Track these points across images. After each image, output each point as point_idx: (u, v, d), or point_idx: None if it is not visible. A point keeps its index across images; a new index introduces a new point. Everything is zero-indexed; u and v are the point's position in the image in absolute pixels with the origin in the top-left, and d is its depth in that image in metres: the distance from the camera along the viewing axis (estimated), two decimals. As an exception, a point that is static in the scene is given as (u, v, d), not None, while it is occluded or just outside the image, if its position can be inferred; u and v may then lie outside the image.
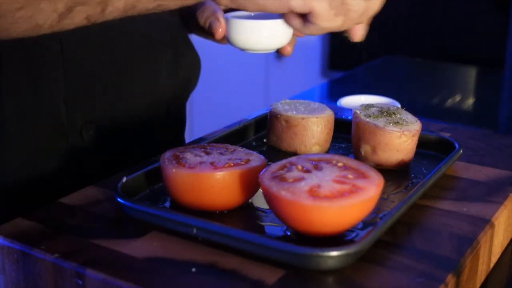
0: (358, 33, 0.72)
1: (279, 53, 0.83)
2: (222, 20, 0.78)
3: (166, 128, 0.92)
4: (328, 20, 0.64)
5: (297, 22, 0.67)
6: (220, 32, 0.78)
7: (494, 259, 0.65)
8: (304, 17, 0.65)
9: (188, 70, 0.94)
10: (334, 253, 0.51)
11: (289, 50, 0.83)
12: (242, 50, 0.80)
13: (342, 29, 0.66)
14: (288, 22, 0.68)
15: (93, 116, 0.79)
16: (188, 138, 0.98)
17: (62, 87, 0.75)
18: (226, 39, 0.80)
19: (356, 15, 0.64)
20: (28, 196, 0.76)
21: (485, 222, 0.61)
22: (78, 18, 0.59)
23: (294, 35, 0.81)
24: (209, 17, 0.79)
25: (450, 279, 0.52)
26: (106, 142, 0.81)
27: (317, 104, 0.81)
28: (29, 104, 0.74)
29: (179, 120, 0.96)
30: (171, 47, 0.89)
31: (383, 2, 0.67)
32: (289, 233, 0.58)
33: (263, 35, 0.75)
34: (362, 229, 0.59)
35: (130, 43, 0.83)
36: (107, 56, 0.80)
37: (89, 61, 0.78)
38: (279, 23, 0.74)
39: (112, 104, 0.81)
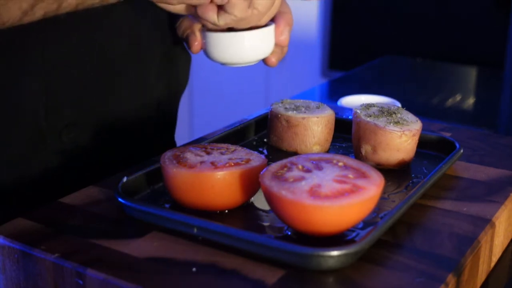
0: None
1: (265, 63, 0.81)
2: (198, 33, 0.74)
3: (156, 130, 0.89)
4: (242, 10, 0.69)
5: (212, 13, 0.70)
6: (195, 45, 0.74)
7: (494, 259, 0.65)
8: (220, 8, 0.70)
9: (179, 70, 0.91)
10: (334, 253, 0.51)
11: (273, 61, 0.79)
12: (222, 64, 0.77)
13: (252, 20, 0.72)
14: (203, 14, 0.71)
15: (76, 118, 0.76)
16: (188, 138, 0.97)
17: (42, 89, 0.72)
18: (204, 54, 0.77)
19: (264, 9, 0.71)
20: (11, 197, 0.74)
21: (485, 222, 0.61)
22: (37, 15, 0.63)
23: (277, 45, 0.78)
24: (186, 29, 0.76)
25: (451, 279, 0.52)
26: (91, 145, 0.78)
27: (317, 104, 0.81)
28: (6, 106, 0.71)
29: (169, 121, 0.94)
30: (161, 46, 0.86)
31: None
32: (289, 233, 0.58)
33: (240, 48, 0.73)
34: (362, 228, 0.59)
35: (117, 43, 0.80)
36: (92, 56, 0.77)
37: (72, 62, 0.75)
38: (258, 34, 0.73)
39: (98, 106, 0.78)
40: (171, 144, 0.95)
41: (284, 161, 0.60)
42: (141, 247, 0.56)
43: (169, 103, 0.91)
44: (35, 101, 0.73)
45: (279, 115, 0.79)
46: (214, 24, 0.72)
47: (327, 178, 0.56)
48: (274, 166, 0.59)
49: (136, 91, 0.83)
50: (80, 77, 0.76)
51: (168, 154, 0.64)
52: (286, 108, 0.79)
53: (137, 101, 0.83)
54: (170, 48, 0.88)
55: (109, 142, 0.81)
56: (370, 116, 0.74)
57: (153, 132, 0.89)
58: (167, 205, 0.64)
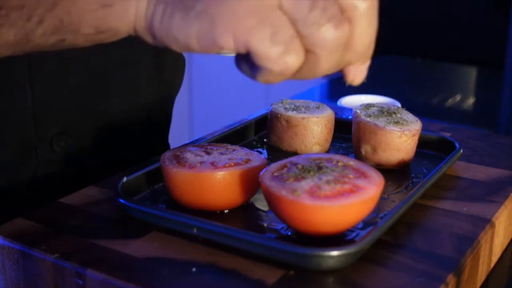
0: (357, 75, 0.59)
1: None
2: None
3: (148, 132, 0.88)
4: (275, 60, 0.45)
5: (245, 67, 0.48)
6: None
7: (494, 259, 0.65)
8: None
9: (171, 73, 0.90)
10: (334, 253, 0.51)
11: None
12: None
13: (297, 71, 0.47)
14: (238, 67, 0.50)
15: (66, 127, 0.75)
16: (188, 138, 0.97)
17: (30, 99, 0.71)
18: None
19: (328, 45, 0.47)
20: (4, 200, 0.74)
21: (485, 222, 0.61)
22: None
23: None
24: None
25: (451, 279, 0.52)
26: (82, 153, 0.77)
27: (317, 104, 0.81)
28: None
29: (161, 126, 0.92)
30: (151, 48, 0.83)
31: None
32: (289, 233, 0.58)
33: None
34: (362, 228, 0.59)
35: (105, 48, 0.77)
36: (80, 63, 0.75)
37: (59, 70, 0.73)
38: None
39: (87, 114, 0.77)
40: (165, 147, 0.94)
41: (284, 161, 0.60)
42: (141, 247, 0.56)
43: (161, 106, 0.90)
44: (23, 112, 0.71)
45: (279, 115, 0.79)
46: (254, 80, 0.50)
47: (327, 178, 0.56)
48: (274, 166, 0.59)
49: (126, 95, 0.82)
50: (69, 85, 0.75)
51: (168, 154, 0.64)
52: (286, 108, 0.79)
53: (128, 105, 0.82)
54: (160, 52, 0.86)
55: (100, 147, 0.80)
56: (370, 116, 0.74)
57: (146, 135, 0.88)
58: (166, 205, 0.64)
